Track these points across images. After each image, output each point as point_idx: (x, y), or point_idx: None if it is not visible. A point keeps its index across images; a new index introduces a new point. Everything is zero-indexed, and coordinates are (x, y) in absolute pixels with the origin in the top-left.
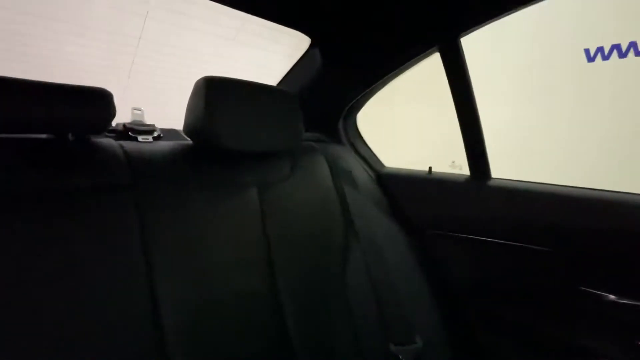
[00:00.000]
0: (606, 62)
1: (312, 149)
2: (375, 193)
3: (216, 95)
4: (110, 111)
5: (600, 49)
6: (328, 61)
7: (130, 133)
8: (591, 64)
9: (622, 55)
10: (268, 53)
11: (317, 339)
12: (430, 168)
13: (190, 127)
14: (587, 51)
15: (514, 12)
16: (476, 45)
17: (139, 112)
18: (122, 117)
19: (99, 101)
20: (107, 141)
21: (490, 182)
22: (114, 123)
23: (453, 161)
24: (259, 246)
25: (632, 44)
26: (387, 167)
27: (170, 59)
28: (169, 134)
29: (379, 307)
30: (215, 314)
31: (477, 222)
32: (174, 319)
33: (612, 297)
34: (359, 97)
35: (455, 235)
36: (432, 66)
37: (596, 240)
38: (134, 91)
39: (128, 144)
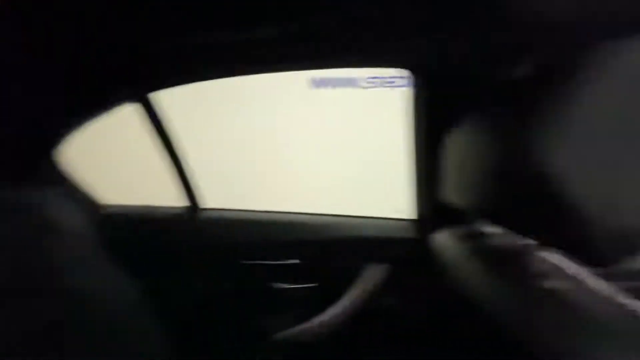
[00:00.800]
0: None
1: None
2: (91, 232)
3: None
4: None
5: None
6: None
7: None
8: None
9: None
10: None
11: None
12: (148, 204)
13: None
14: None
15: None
16: None
17: None
18: None
19: None
20: None
21: (201, 213)
22: None
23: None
24: None
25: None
26: (108, 205)
27: None
28: None
29: None
30: None
31: (193, 246)
32: None
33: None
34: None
35: (178, 262)
36: None
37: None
38: None
39: None
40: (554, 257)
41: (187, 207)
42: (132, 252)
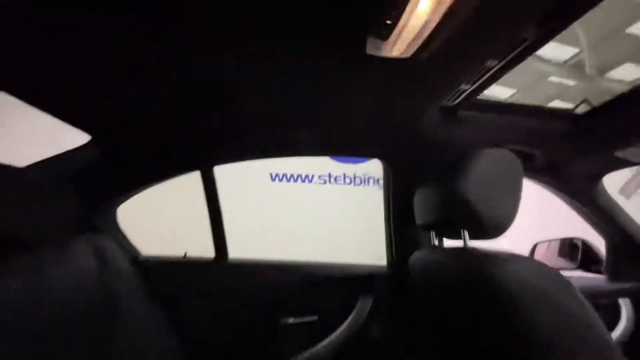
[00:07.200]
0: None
1: (73, 238)
2: (133, 278)
3: None
4: None
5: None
6: (103, 155)
7: None
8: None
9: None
10: None
11: None
12: (185, 253)
13: None
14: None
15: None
16: None
17: None
18: None
19: None
20: None
21: (228, 262)
22: None
23: (185, 252)
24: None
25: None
26: (145, 255)
27: None
28: None
29: None
30: None
31: (221, 294)
32: None
33: None
34: (128, 192)
35: (208, 308)
36: None
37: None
38: None
39: None
40: None
41: (216, 257)
42: (166, 292)
